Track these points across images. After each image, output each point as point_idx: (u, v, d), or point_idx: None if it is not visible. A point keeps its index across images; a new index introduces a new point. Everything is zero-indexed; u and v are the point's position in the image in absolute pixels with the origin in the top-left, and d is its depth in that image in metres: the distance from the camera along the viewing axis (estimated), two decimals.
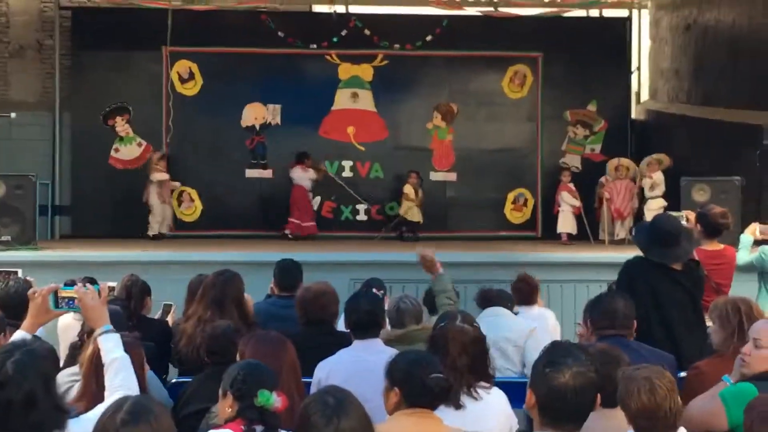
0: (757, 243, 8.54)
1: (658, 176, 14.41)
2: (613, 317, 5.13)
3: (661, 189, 14.23)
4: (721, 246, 7.83)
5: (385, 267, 11.43)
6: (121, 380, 3.99)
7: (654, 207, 13.86)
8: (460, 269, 10.84)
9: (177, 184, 15.68)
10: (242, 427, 3.66)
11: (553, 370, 3.21)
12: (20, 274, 8.85)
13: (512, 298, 7.32)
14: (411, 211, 15.52)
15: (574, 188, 15.39)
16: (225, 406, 3.77)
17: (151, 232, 15.09)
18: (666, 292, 5.98)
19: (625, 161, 15.32)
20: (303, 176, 15.53)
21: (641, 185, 14.72)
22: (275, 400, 3.65)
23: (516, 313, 6.98)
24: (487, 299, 6.93)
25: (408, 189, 15.57)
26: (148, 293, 7.18)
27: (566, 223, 15.21)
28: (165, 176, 15.25)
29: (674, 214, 8.33)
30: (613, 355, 4.27)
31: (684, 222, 7.81)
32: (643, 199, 14.59)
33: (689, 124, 15.46)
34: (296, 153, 15.63)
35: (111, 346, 4.07)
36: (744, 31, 13.91)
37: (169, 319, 7.37)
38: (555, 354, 3.28)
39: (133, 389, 3.97)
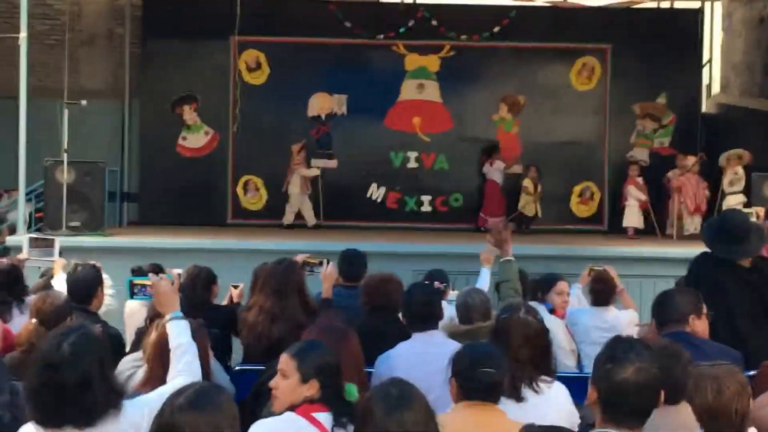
0: None
1: (739, 172, 14.17)
2: (676, 312, 5.08)
3: (740, 185, 14.00)
4: None
5: (449, 258, 11.49)
6: (183, 365, 4.06)
7: (733, 203, 13.67)
8: (524, 262, 10.79)
9: (316, 171, 15.75)
10: (330, 415, 3.69)
11: (615, 365, 3.18)
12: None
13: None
14: (529, 206, 15.54)
15: (641, 182, 15.24)
16: (303, 391, 3.78)
17: (285, 221, 15.35)
18: (732, 289, 5.89)
19: (701, 155, 15.05)
20: (491, 170, 15.76)
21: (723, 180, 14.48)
22: (357, 395, 3.69)
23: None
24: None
25: (527, 183, 15.64)
26: (214, 281, 7.24)
27: (632, 217, 15.08)
28: (316, 172, 15.60)
29: (745, 210, 8.24)
30: (673, 350, 4.22)
31: (754, 218, 7.72)
32: (722, 195, 14.36)
33: (761, 119, 15.23)
34: (485, 146, 15.87)
35: (178, 332, 4.15)
36: None
37: (236, 296, 7.41)
38: (617, 349, 3.25)
39: (196, 375, 4.04)
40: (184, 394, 3.08)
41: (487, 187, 15.81)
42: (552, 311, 7.04)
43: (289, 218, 15.39)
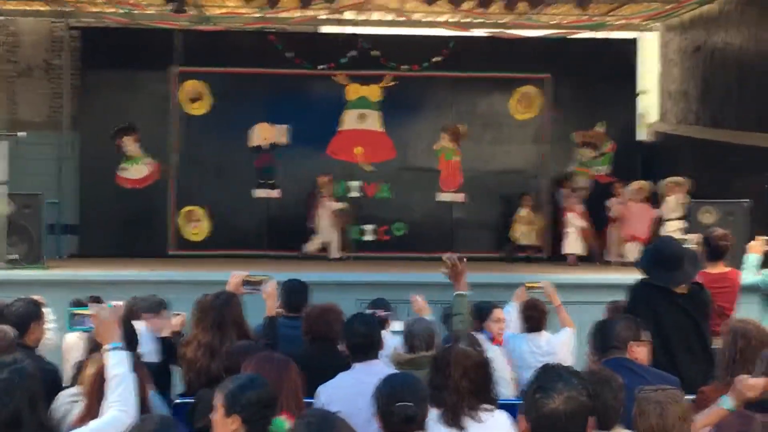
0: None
1: (678, 198, 14.34)
2: (613, 339, 5.13)
3: (679, 212, 14.16)
4: (726, 269, 7.82)
5: (393, 288, 11.42)
6: (118, 396, 4.03)
7: (671, 229, 13.81)
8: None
9: (342, 204, 15.74)
10: None
11: (543, 395, 3.17)
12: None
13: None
14: (530, 235, 15.70)
15: (582, 209, 15.38)
16: (228, 425, 3.77)
17: (307, 249, 15.39)
18: (668, 316, 5.97)
19: (644, 184, 15.21)
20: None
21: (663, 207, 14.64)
22: (288, 427, 3.67)
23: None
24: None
25: (525, 212, 15.72)
26: (158, 311, 7.16)
27: (573, 245, 15.21)
28: (341, 205, 15.60)
29: (683, 237, 8.37)
30: (603, 376, 4.25)
31: (693, 245, 7.84)
32: (660, 222, 14.52)
33: (697, 146, 15.46)
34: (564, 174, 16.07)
35: (116, 362, 4.14)
36: (752, 54, 13.92)
37: (177, 325, 7.34)
38: (545, 379, 3.24)
39: (129, 407, 4.01)
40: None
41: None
42: (491, 340, 7.06)
43: (313, 247, 15.41)
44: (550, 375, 3.26)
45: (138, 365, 4.39)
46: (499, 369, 6.42)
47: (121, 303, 6.35)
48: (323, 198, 15.56)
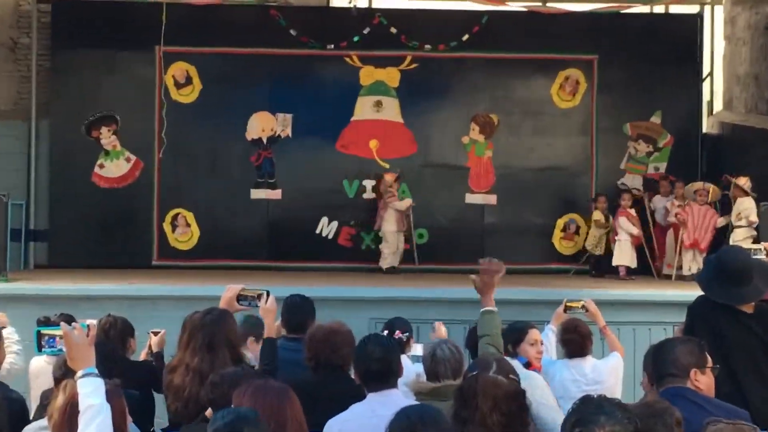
0: None
1: (745, 201, 14.27)
2: (672, 365, 5.11)
3: (750, 217, 14.09)
4: None
5: (412, 304, 11.49)
6: (92, 430, 4.04)
7: (740, 238, 13.78)
8: (499, 308, 10.85)
9: (408, 202, 15.86)
10: None
11: (582, 430, 3.18)
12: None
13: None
14: (600, 243, 15.66)
15: (634, 214, 15.35)
16: None
17: (384, 264, 15.53)
18: (732, 338, 5.94)
19: (708, 185, 15.16)
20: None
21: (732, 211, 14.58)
22: None
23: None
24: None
25: (598, 215, 15.71)
26: (131, 334, 7.24)
27: (624, 255, 15.17)
28: (409, 202, 15.72)
29: (754, 246, 8.32)
30: (658, 408, 4.24)
31: (763, 256, 7.79)
32: (730, 228, 14.47)
33: None
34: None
35: (91, 391, 4.17)
36: None
37: (155, 345, 7.40)
38: (585, 411, 3.25)
39: None
40: None
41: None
42: (527, 365, 7.05)
43: (389, 260, 15.59)
44: (590, 407, 3.26)
45: (114, 393, 4.42)
46: (542, 397, 6.42)
47: (92, 322, 6.38)
48: (392, 198, 15.67)
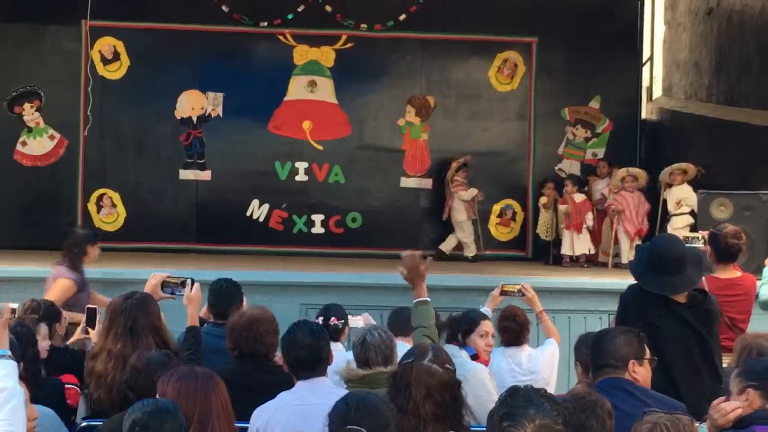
0: None
1: (685, 189, 14.41)
2: (610, 355, 5.13)
3: (689, 205, 14.24)
4: (738, 273, 7.82)
5: (346, 290, 11.46)
6: (7, 413, 4.03)
7: (679, 225, 13.92)
8: (433, 295, 10.84)
9: (474, 192, 15.85)
10: None
11: (511, 423, 3.16)
12: None
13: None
14: (549, 229, 15.75)
15: (578, 200, 15.38)
16: None
17: (468, 253, 15.73)
18: (665, 329, 5.97)
19: (634, 170, 15.34)
20: None
21: (664, 198, 14.73)
22: None
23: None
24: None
25: (543, 200, 15.85)
26: (57, 318, 7.14)
27: (574, 243, 15.25)
28: (474, 192, 15.76)
29: (691, 234, 8.37)
30: (589, 401, 4.26)
31: (701, 245, 7.84)
32: (665, 216, 14.62)
33: (710, 127, 15.56)
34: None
35: (4, 374, 4.17)
36: None
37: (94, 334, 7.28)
38: (513, 404, 3.23)
39: (19, 428, 4.02)
40: None
41: None
42: (474, 357, 7.03)
43: (472, 248, 15.78)
44: (519, 400, 3.24)
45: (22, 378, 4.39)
46: (486, 392, 6.42)
47: (12, 305, 6.29)
48: (457, 186, 15.72)
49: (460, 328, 7.22)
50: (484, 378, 6.68)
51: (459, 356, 6.59)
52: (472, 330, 7.27)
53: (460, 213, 15.76)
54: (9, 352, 4.25)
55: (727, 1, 15.45)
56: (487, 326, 7.38)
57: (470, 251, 15.77)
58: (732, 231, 7.82)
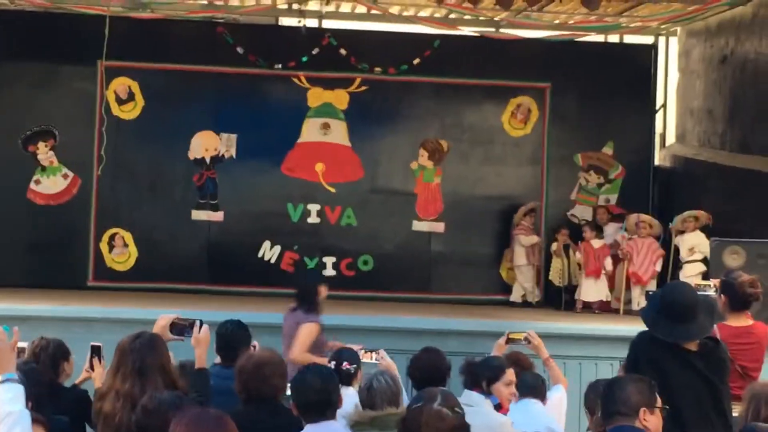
0: None
1: (698, 236, 14.41)
2: (621, 403, 5.12)
3: (702, 252, 14.23)
4: (750, 321, 7.80)
5: (358, 333, 11.43)
6: None
7: (691, 273, 13.90)
8: (445, 339, 10.87)
9: (535, 238, 15.98)
10: None
11: None
12: None
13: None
14: (564, 275, 15.80)
15: (596, 246, 15.36)
16: None
17: (532, 299, 15.90)
18: (676, 376, 5.95)
19: (647, 218, 15.35)
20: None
21: (676, 245, 14.72)
22: None
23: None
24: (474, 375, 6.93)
25: (555, 246, 15.90)
26: (65, 357, 7.13)
27: (591, 289, 15.24)
28: (535, 239, 15.88)
29: (703, 282, 8.35)
30: None
31: (712, 292, 7.82)
32: (677, 264, 14.61)
33: (723, 175, 15.56)
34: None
35: (11, 397, 4.15)
36: None
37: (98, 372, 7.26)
38: None
39: None
40: None
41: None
42: (498, 407, 6.99)
43: (517, 294, 15.93)
44: None
45: (38, 421, 4.37)
46: None
47: (21, 344, 6.30)
48: (521, 231, 15.87)
49: (484, 375, 7.15)
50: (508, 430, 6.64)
51: (482, 405, 6.57)
52: (498, 378, 7.19)
53: (520, 257, 15.87)
54: (15, 376, 4.24)
55: (741, 49, 15.48)
56: (512, 375, 7.31)
57: (532, 297, 15.84)
58: (749, 280, 7.80)
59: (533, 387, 7.24)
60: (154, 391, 5.33)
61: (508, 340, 8.11)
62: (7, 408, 4.10)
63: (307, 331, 9.62)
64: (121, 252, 16.15)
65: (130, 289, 15.28)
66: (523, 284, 15.91)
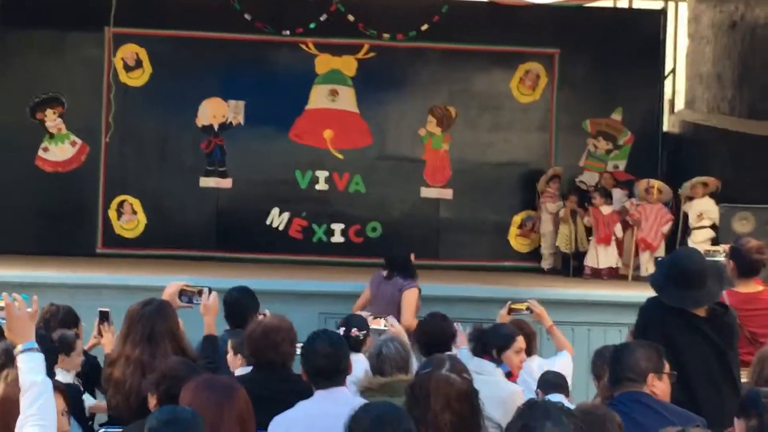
0: None
1: (707, 202, 14.39)
2: (629, 369, 5.14)
3: (711, 218, 14.21)
4: (760, 287, 7.81)
5: None
6: (37, 409, 4.05)
7: (700, 239, 13.90)
8: (452, 305, 10.89)
9: (558, 205, 15.83)
10: None
11: None
12: None
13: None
14: (571, 241, 15.64)
15: (604, 212, 15.33)
16: None
17: (545, 265, 15.87)
18: (685, 342, 5.97)
19: (657, 183, 15.31)
20: None
21: (685, 211, 14.71)
22: None
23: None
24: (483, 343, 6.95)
25: (563, 212, 15.67)
26: (75, 323, 7.17)
27: (600, 256, 15.22)
28: (554, 208, 15.74)
29: (713, 248, 8.36)
30: (600, 414, 4.26)
31: (722, 258, 7.83)
32: (686, 230, 14.60)
33: (732, 140, 15.54)
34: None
35: (32, 367, 4.18)
36: None
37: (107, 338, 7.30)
38: (530, 417, 3.25)
39: (50, 423, 4.03)
40: None
41: None
42: (508, 375, 6.99)
43: (547, 261, 15.92)
44: (536, 412, 3.25)
45: (56, 389, 4.39)
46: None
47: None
48: (547, 198, 15.84)
49: (495, 343, 7.14)
50: (518, 401, 6.64)
51: (494, 374, 6.57)
52: (509, 346, 7.19)
53: (546, 224, 15.81)
54: (36, 345, 4.27)
55: (751, 15, 15.42)
56: (522, 342, 7.32)
57: (547, 263, 15.87)
58: (756, 246, 7.80)
59: (556, 384, 7.22)
60: (164, 358, 5.38)
61: (510, 310, 8.13)
62: (29, 378, 4.13)
63: (414, 297, 10.20)
64: (130, 219, 16.16)
65: (139, 256, 15.31)
66: (543, 250, 15.90)
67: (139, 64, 16.25)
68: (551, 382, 7.08)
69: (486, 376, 6.21)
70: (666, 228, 14.94)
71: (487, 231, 16.43)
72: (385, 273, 10.56)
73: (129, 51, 16.22)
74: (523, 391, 6.61)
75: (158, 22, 16.07)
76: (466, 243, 16.25)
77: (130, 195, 16.14)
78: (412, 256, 10.72)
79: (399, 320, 8.77)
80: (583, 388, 8.45)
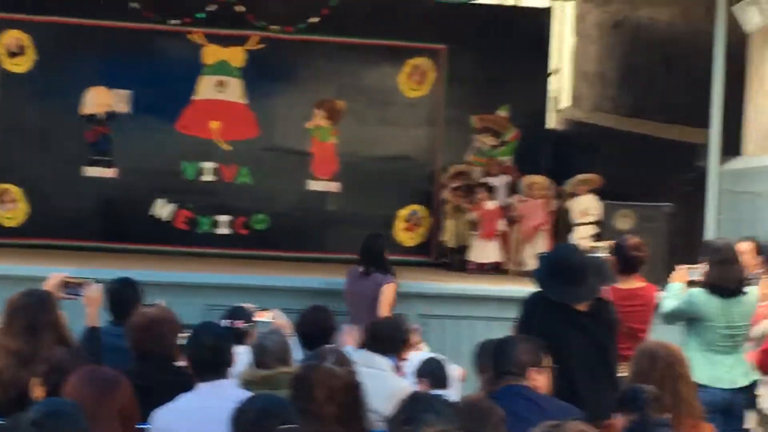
0: (692, 284, 8.58)
1: (590, 199, 14.59)
2: (510, 363, 5.21)
3: (593, 215, 14.41)
4: (641, 284, 7.97)
5: (251, 292, 11.39)
6: None
7: (583, 235, 14.07)
8: (336, 298, 10.90)
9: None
10: None
11: (411, 428, 3.20)
12: None
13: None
14: (455, 235, 15.68)
15: (488, 207, 15.48)
16: None
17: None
18: (566, 338, 6.07)
19: (540, 179, 15.51)
20: None
21: (568, 208, 14.91)
22: None
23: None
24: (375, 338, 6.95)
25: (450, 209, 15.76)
26: None
27: (484, 250, 15.36)
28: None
29: (597, 244, 8.52)
30: (482, 408, 4.31)
31: (605, 254, 7.99)
32: (569, 226, 14.80)
33: (614, 138, 15.79)
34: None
35: None
36: (681, 34, 14.27)
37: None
38: (414, 409, 3.28)
39: None
40: None
41: None
42: (397, 368, 7.02)
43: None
44: (419, 405, 3.29)
45: None
46: None
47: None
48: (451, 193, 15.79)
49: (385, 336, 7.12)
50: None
51: (383, 368, 6.53)
52: (401, 342, 7.14)
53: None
54: None
55: (634, 15, 15.69)
56: (417, 337, 7.41)
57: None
58: (634, 243, 7.98)
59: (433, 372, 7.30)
60: (47, 350, 5.31)
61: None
62: None
63: (391, 291, 10.38)
64: (11, 207, 15.88)
65: (20, 246, 15.05)
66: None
67: (22, 50, 15.97)
68: (430, 370, 7.18)
69: (375, 370, 6.24)
70: (543, 228, 15.14)
71: (373, 225, 16.41)
72: (361, 269, 10.58)
73: (12, 37, 15.92)
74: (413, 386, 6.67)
75: (44, 8, 15.79)
76: (352, 236, 16.19)
77: (12, 183, 15.86)
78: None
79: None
80: (469, 382, 8.52)
